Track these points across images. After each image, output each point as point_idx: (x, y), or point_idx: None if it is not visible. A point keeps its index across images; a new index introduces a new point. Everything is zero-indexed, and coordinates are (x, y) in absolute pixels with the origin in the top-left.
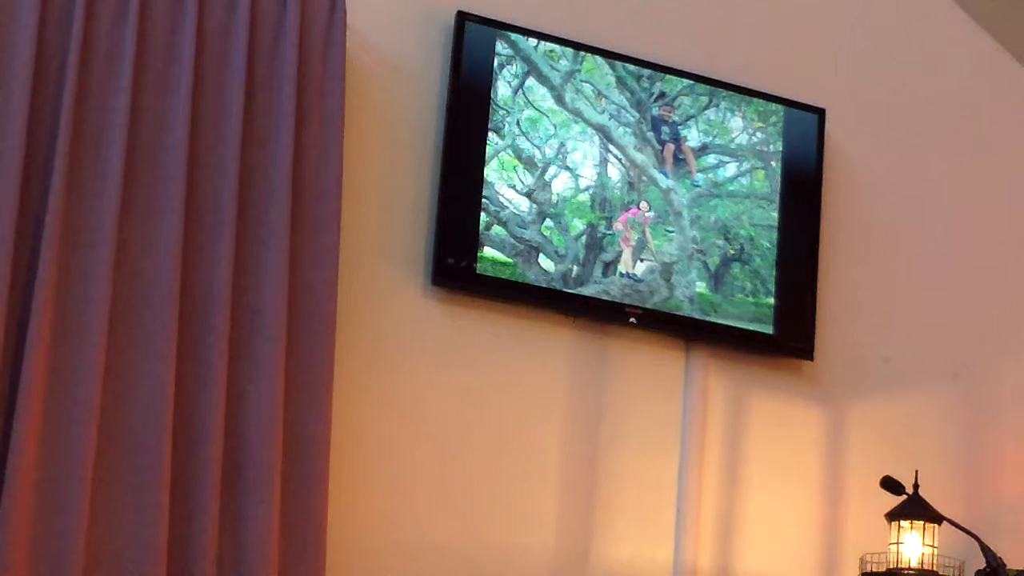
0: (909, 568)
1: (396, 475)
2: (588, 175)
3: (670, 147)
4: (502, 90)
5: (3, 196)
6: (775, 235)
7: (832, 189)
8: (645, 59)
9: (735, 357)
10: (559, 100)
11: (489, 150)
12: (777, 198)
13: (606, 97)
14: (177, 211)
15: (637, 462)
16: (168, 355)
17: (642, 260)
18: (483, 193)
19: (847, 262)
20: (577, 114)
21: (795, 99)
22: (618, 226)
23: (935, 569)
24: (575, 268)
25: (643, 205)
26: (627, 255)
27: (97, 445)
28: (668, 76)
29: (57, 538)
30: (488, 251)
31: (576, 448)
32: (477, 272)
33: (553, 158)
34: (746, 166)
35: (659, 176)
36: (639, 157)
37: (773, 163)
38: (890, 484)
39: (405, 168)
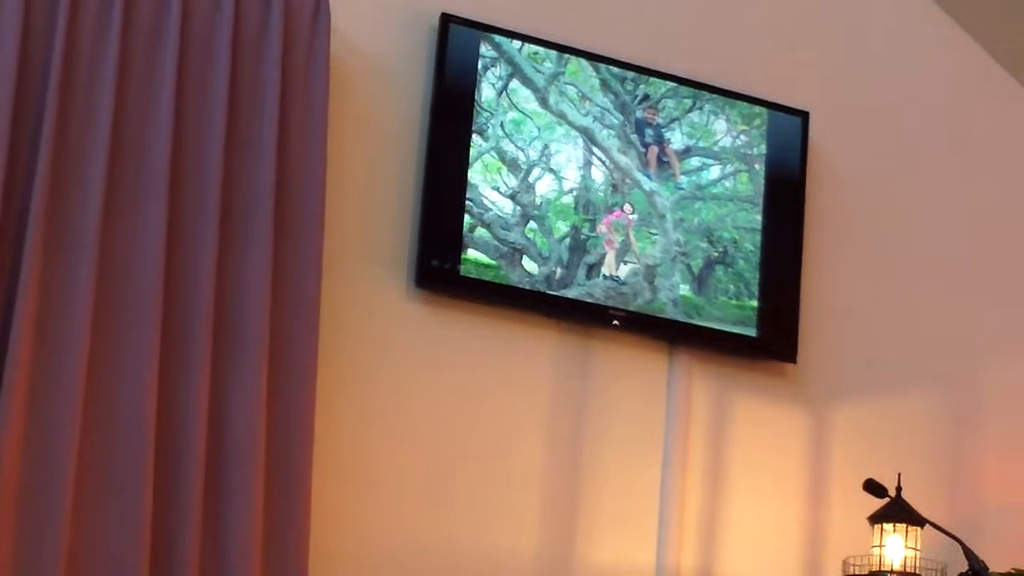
0: (892, 571)
1: (379, 478)
2: (572, 177)
3: (654, 149)
4: (486, 92)
5: None
6: (759, 238)
7: (816, 192)
8: (629, 61)
9: (718, 360)
10: (543, 102)
11: (473, 152)
12: (761, 201)
13: (590, 99)
14: (160, 213)
15: (620, 464)
16: (151, 357)
17: (625, 262)
18: (467, 195)
19: (831, 265)
20: (561, 116)
21: (779, 102)
22: (602, 228)
23: (917, 572)
24: (559, 270)
25: (627, 207)
26: (610, 257)
27: (79, 448)
28: (652, 78)
29: (39, 541)
30: (472, 253)
31: (559, 450)
32: (461, 274)
33: (537, 160)
34: (730, 169)
35: (643, 178)
36: (623, 159)
37: (757, 166)
38: (873, 487)
39: (389, 170)
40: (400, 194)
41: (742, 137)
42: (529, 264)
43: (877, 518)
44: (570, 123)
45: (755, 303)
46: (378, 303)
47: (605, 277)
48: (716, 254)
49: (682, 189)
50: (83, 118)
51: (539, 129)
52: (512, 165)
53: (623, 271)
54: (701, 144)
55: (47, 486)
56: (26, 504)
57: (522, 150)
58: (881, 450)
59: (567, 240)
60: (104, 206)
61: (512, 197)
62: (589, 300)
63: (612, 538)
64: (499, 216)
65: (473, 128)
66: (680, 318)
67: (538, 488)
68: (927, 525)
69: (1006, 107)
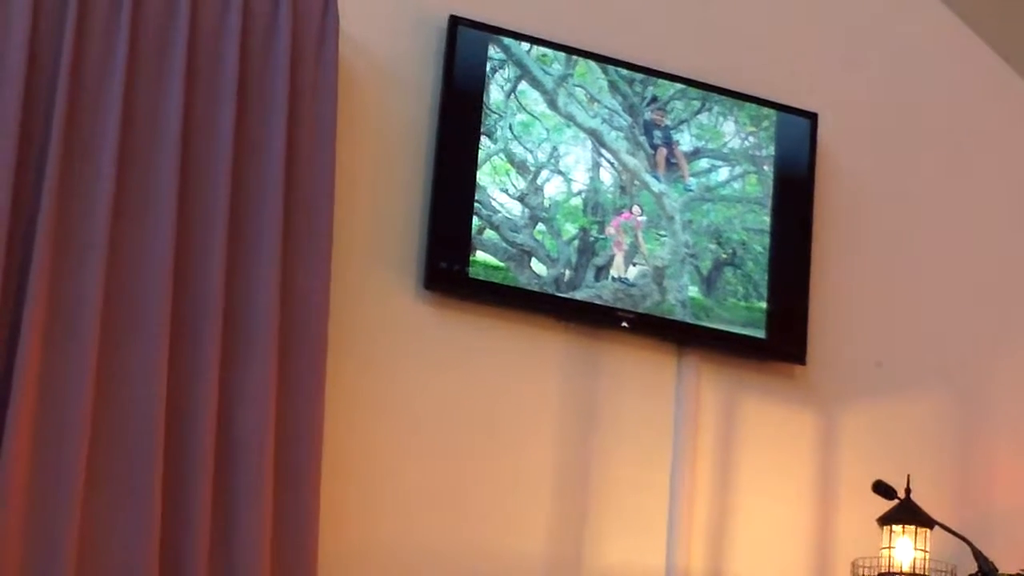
0: (901, 572)
1: (389, 480)
2: (580, 179)
3: (662, 151)
4: (495, 94)
5: None
6: (767, 239)
7: (824, 193)
8: (637, 63)
9: (727, 361)
10: (551, 104)
11: (481, 154)
12: (769, 202)
13: (598, 101)
14: (169, 215)
15: (629, 466)
16: (160, 359)
17: (634, 264)
18: (475, 197)
19: (839, 266)
20: (569, 118)
21: (787, 103)
22: (610, 230)
23: (927, 574)
24: (567, 272)
25: (635, 209)
26: (619, 259)
27: (89, 448)
28: (660, 80)
29: (49, 541)
30: (480, 255)
31: (568, 452)
32: (469, 276)
33: (545, 162)
34: (738, 170)
35: (651, 180)
36: (631, 161)
37: (765, 167)
38: (882, 488)
39: (397, 172)
40: (409, 196)
41: (751, 139)
42: (538, 266)
43: (886, 520)
44: (579, 125)
45: (764, 304)
46: (387, 305)
47: (614, 279)
48: (725, 256)
49: (691, 191)
50: (92, 120)
51: (548, 131)
52: (521, 167)
53: (632, 273)
54: (710, 146)
55: (56, 487)
56: (35, 505)
57: (531, 152)
58: (890, 452)
59: (576, 242)
60: (113, 207)
61: (521, 199)
62: (598, 302)
63: (621, 540)
64: (508, 218)
65: (482, 130)
66: (689, 320)
67: (547, 490)
68: (936, 527)
69: (1015, 109)
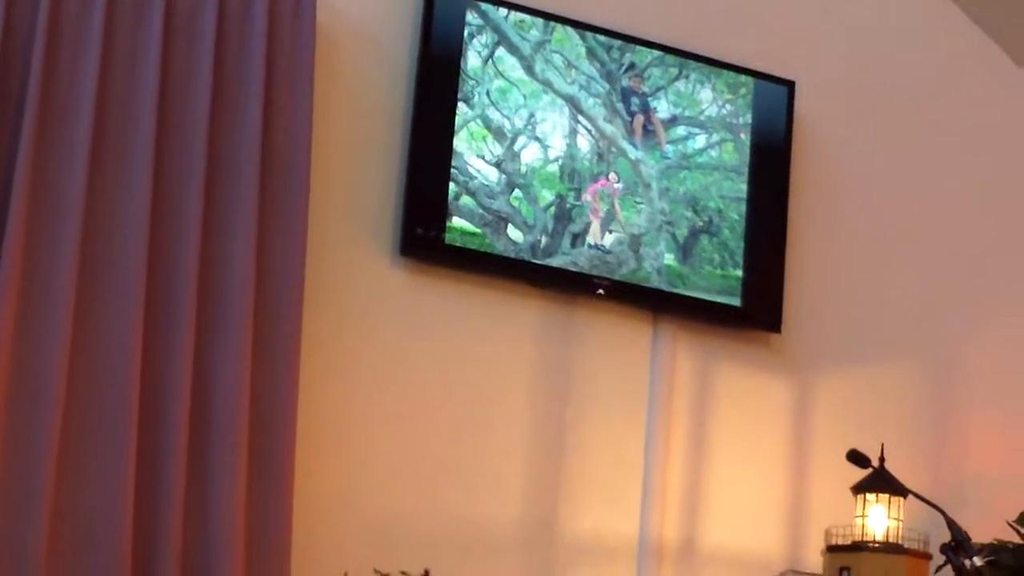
0: (874, 541)
1: (363, 445)
2: (557, 146)
3: (639, 118)
4: (472, 60)
5: None
6: (744, 207)
7: (801, 162)
8: (615, 30)
9: (703, 329)
10: (529, 70)
11: (458, 120)
12: (746, 170)
13: (576, 68)
14: (145, 182)
15: (604, 433)
16: (136, 324)
17: (610, 231)
18: (452, 163)
19: (815, 235)
20: (547, 84)
21: (765, 71)
22: (587, 197)
23: (900, 542)
24: (543, 239)
25: (612, 176)
26: (596, 226)
27: (64, 412)
28: (638, 47)
29: (22, 501)
30: (457, 221)
31: (543, 419)
32: (446, 242)
33: (522, 128)
34: (715, 138)
35: (628, 147)
36: (608, 128)
37: (742, 135)
38: (856, 457)
39: (374, 138)
40: (385, 162)
41: (728, 106)
42: (514, 232)
43: (860, 488)
44: (556, 91)
45: (740, 273)
46: (363, 271)
47: (590, 246)
48: (701, 223)
49: (667, 158)
50: (68, 85)
51: (525, 97)
52: (498, 133)
53: (608, 240)
54: (687, 113)
55: (31, 447)
56: (10, 463)
57: (508, 118)
58: (864, 420)
59: (552, 209)
60: (88, 176)
61: (497, 165)
62: (574, 269)
63: (595, 506)
64: (484, 184)
65: (459, 96)
66: (665, 287)
67: (521, 457)
68: (910, 495)
69: (992, 79)
